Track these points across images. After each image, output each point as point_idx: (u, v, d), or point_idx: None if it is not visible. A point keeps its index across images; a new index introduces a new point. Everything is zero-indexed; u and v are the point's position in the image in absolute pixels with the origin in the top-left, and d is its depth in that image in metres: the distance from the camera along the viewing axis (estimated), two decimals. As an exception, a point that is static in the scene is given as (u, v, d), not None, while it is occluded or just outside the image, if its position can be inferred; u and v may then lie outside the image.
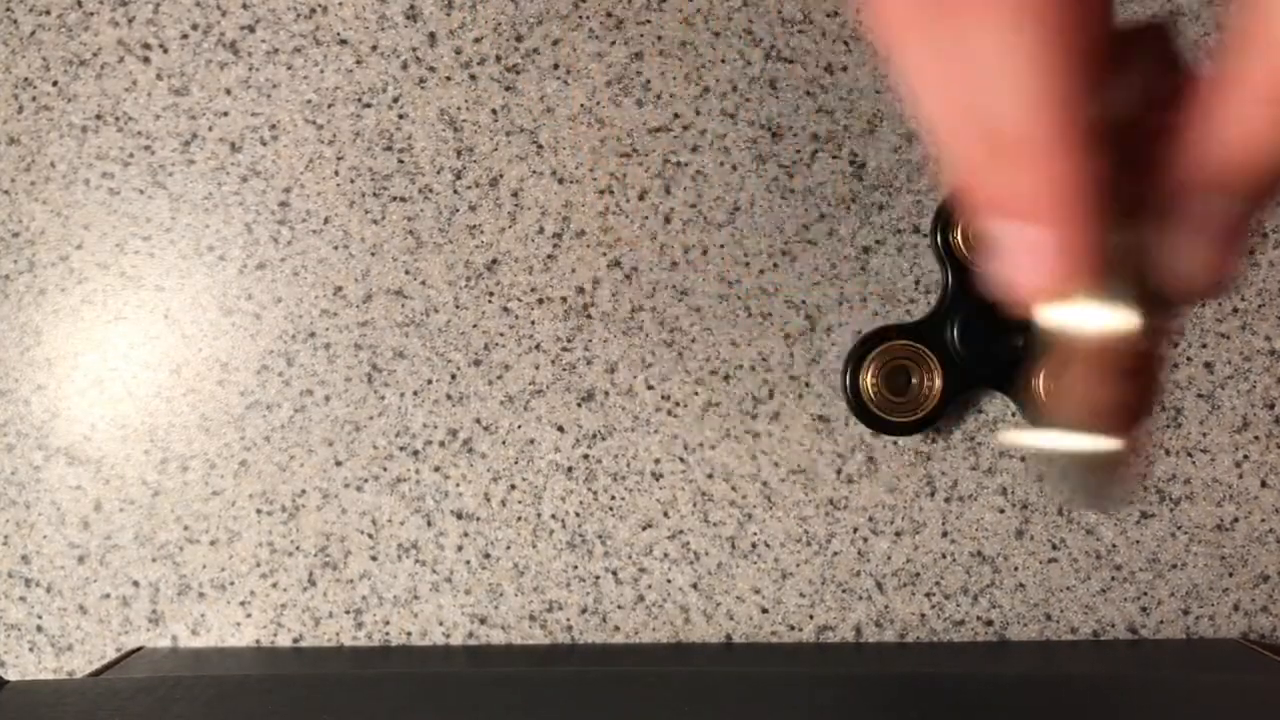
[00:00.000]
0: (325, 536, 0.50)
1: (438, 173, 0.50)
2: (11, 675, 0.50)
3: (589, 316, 0.50)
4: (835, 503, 0.50)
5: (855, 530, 0.50)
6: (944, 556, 0.50)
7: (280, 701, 0.37)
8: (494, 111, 0.50)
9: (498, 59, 0.50)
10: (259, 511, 0.50)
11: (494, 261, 0.50)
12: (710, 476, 0.50)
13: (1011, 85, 0.18)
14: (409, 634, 0.50)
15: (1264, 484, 0.50)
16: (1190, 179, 0.19)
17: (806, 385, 0.50)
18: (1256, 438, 0.50)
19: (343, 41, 0.50)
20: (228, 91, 0.50)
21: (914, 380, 0.49)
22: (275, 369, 0.50)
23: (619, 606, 0.50)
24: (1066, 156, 0.18)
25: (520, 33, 0.50)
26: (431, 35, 0.51)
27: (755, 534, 0.50)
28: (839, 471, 0.50)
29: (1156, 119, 0.20)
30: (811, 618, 0.50)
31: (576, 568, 0.50)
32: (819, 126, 0.50)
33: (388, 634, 0.50)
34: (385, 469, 0.50)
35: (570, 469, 0.50)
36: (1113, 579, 0.50)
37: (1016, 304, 0.20)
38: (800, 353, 0.50)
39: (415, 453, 0.50)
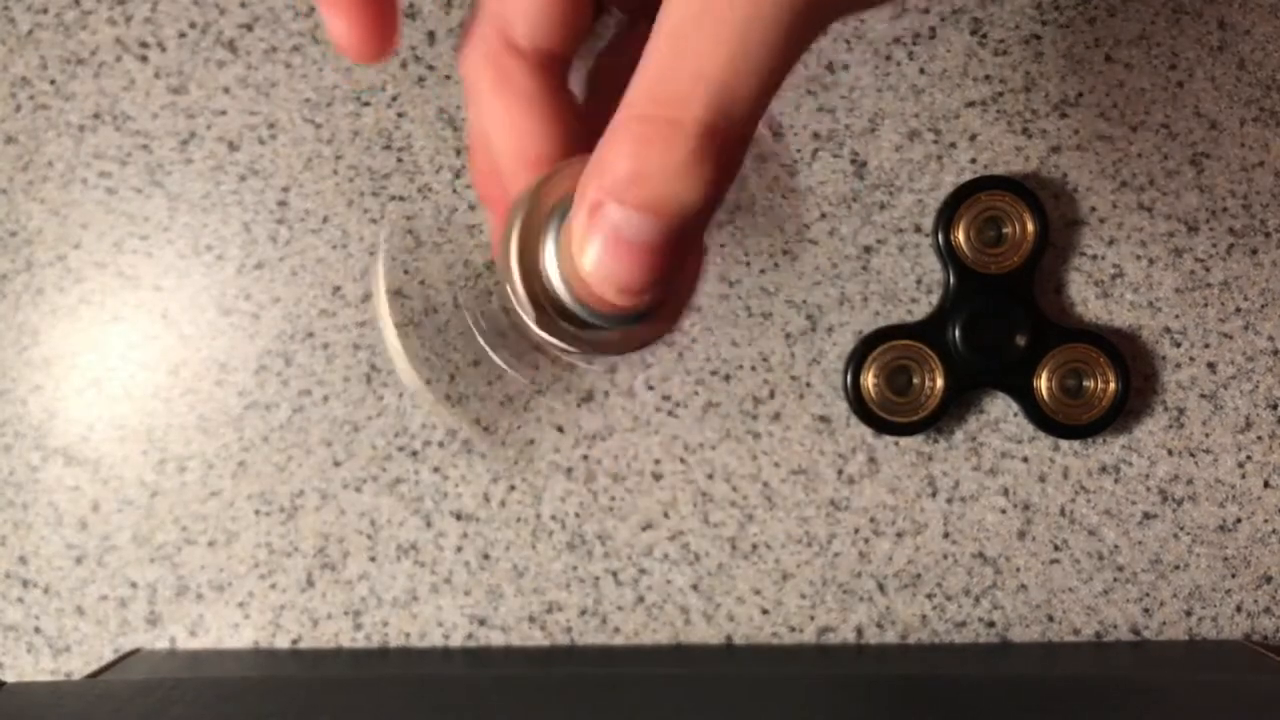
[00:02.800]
0: (324, 537, 0.50)
1: (437, 172, 0.50)
2: (9, 677, 0.50)
3: (589, 316, 0.50)
4: (836, 503, 0.50)
5: (856, 531, 0.50)
6: (946, 557, 0.50)
7: (279, 703, 0.37)
8: (493, 110, 0.50)
9: (497, 58, 0.50)
10: (257, 512, 0.50)
11: (493, 261, 0.50)
12: (710, 477, 0.50)
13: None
14: (408, 635, 0.49)
15: (1267, 485, 0.50)
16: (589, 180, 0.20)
17: (807, 385, 0.50)
18: (1260, 438, 0.50)
19: (341, 40, 0.50)
20: (226, 90, 0.50)
21: (915, 380, 0.49)
22: (273, 369, 0.50)
23: (619, 608, 0.50)
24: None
25: (520, 31, 0.50)
26: (431, 34, 0.50)
27: (756, 535, 0.50)
28: (840, 472, 0.50)
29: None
30: (812, 619, 0.50)
31: (576, 569, 0.50)
32: (820, 125, 0.50)
33: (387, 635, 0.49)
34: (384, 469, 0.50)
35: (570, 469, 0.50)
36: (1115, 580, 0.50)
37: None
38: (801, 353, 0.50)
39: (414, 453, 0.50)
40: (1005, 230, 0.49)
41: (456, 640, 0.50)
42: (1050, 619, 0.50)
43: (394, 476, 0.50)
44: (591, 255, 0.20)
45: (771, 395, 0.50)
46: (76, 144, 0.50)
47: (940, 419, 0.49)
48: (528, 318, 0.22)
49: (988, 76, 0.50)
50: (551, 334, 0.23)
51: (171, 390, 0.50)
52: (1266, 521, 0.50)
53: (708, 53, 0.18)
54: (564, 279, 0.21)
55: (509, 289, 0.22)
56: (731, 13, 0.18)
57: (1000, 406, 0.50)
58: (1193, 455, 0.50)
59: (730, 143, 0.19)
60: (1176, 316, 0.50)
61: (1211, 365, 0.50)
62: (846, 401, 0.49)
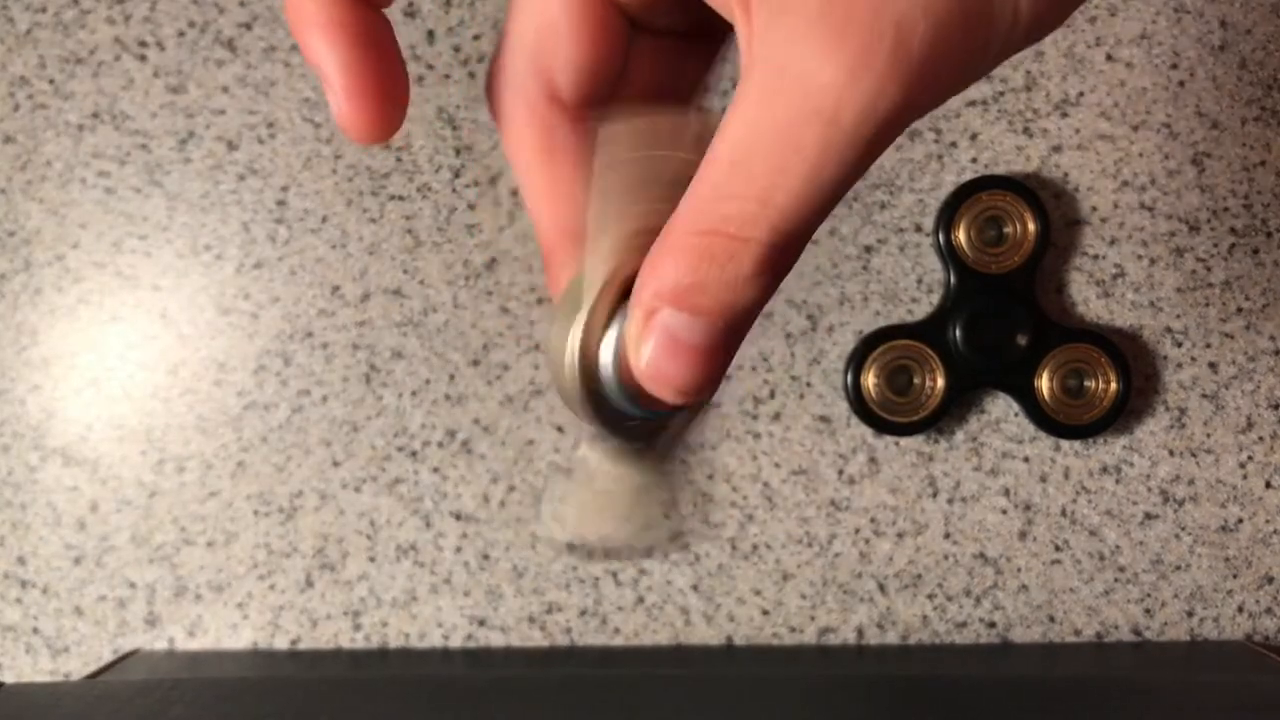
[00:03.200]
0: (323, 538, 0.49)
1: (436, 171, 0.50)
2: (8, 677, 0.50)
3: (589, 316, 0.49)
4: (837, 504, 0.50)
5: (857, 531, 0.50)
6: (946, 558, 0.50)
7: (278, 704, 0.37)
8: (493, 110, 0.50)
9: (497, 57, 0.50)
10: (256, 513, 0.50)
11: (493, 260, 0.50)
12: (710, 477, 0.49)
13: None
14: (407, 636, 0.49)
15: (1269, 485, 0.50)
16: (646, 283, 0.21)
17: (808, 385, 0.50)
18: (1261, 438, 0.50)
19: (341, 39, 0.50)
20: (225, 89, 0.50)
21: (916, 380, 0.48)
22: (272, 369, 0.50)
23: (619, 608, 0.49)
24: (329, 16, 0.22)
25: (519, 30, 0.50)
26: (430, 33, 0.50)
27: (756, 535, 0.49)
28: (840, 472, 0.50)
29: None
30: (813, 619, 0.50)
31: (576, 569, 0.49)
32: (820, 125, 0.50)
33: (386, 636, 0.49)
34: (383, 470, 0.49)
35: (570, 470, 0.49)
36: (1116, 581, 0.50)
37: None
38: (801, 352, 0.50)
39: (413, 453, 0.49)
40: (1006, 230, 0.48)
41: (456, 641, 0.49)
42: (1051, 619, 0.50)
43: (393, 477, 0.49)
44: (647, 356, 0.21)
45: (772, 395, 0.50)
46: (75, 143, 0.50)
47: (941, 419, 0.48)
48: (580, 410, 0.23)
49: (988, 76, 0.50)
50: (604, 425, 0.23)
51: (170, 390, 0.50)
52: (1268, 522, 0.50)
53: (778, 178, 0.19)
54: (617, 374, 0.22)
55: (563, 383, 0.23)
56: (808, 139, 0.18)
57: (1001, 406, 0.50)
58: (1194, 455, 0.50)
59: (790, 255, 0.20)
60: (1178, 316, 0.50)
61: (1213, 365, 0.50)
62: (847, 401, 0.49)
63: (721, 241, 0.19)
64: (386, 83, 0.22)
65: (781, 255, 0.20)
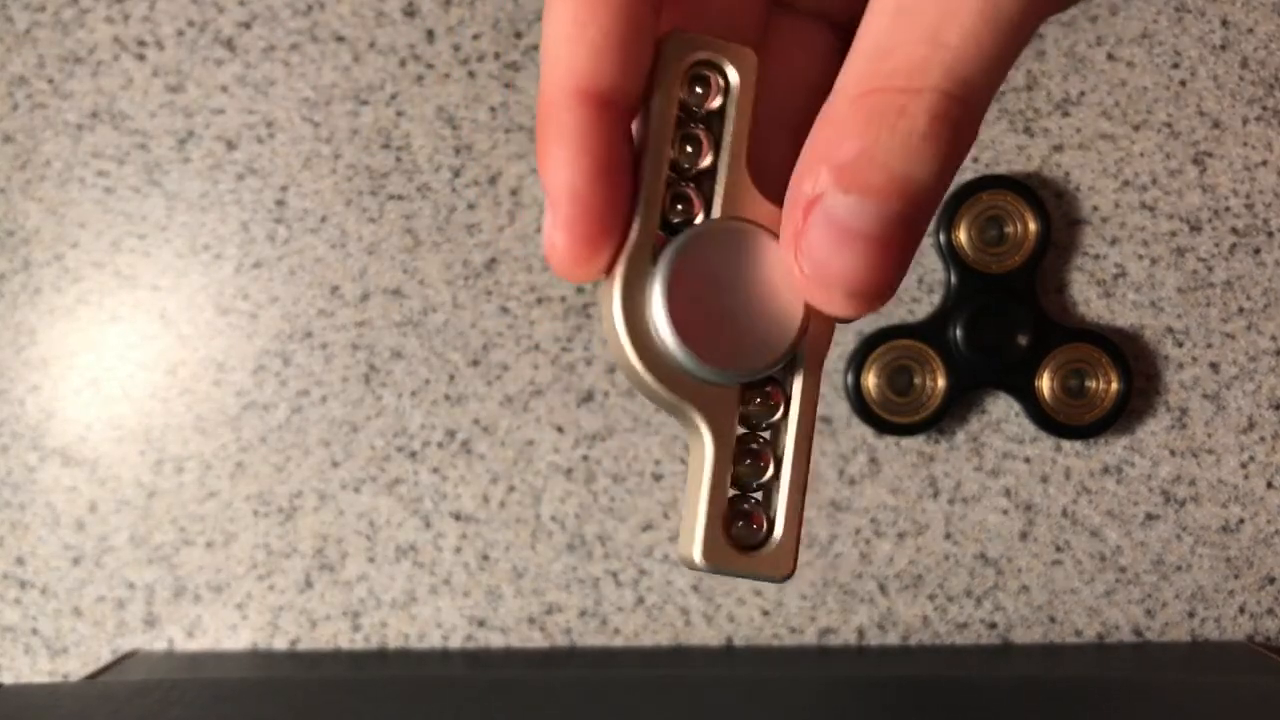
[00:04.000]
0: (322, 538, 0.49)
1: (436, 171, 0.50)
2: (6, 678, 0.49)
3: (589, 316, 0.49)
4: (837, 504, 0.49)
5: (858, 532, 0.49)
6: (947, 558, 0.49)
7: (277, 705, 0.37)
8: (493, 109, 0.50)
9: (496, 56, 0.50)
10: (255, 513, 0.49)
11: (493, 260, 0.50)
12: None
13: (547, 49, 0.19)
14: (407, 637, 0.49)
15: (1270, 485, 0.50)
16: (801, 168, 0.18)
17: (808, 385, 0.50)
18: (1262, 438, 0.50)
19: (340, 38, 0.50)
20: (224, 89, 0.50)
21: (917, 380, 0.48)
22: (272, 369, 0.50)
23: (619, 609, 0.49)
24: (579, 141, 0.19)
25: (519, 29, 0.50)
26: (430, 32, 0.50)
27: (756, 536, 0.49)
28: (841, 472, 0.49)
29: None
30: (813, 620, 0.49)
31: (576, 570, 0.49)
32: (821, 124, 0.50)
33: (385, 636, 0.49)
34: (383, 470, 0.49)
35: (570, 470, 0.49)
36: (1117, 581, 0.50)
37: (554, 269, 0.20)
38: (802, 353, 0.50)
39: (413, 454, 0.49)
40: (1007, 229, 0.48)
41: (455, 642, 0.49)
42: (1052, 620, 0.49)
43: (393, 477, 0.49)
44: (812, 257, 0.17)
45: (772, 395, 0.50)
46: (74, 143, 0.50)
47: (942, 419, 0.48)
48: (646, 374, 0.20)
49: (989, 75, 0.50)
50: (672, 388, 0.20)
51: (169, 390, 0.50)
52: (1269, 522, 0.50)
53: (946, 18, 0.16)
54: (674, 327, 0.19)
55: (621, 350, 0.20)
56: None
57: (1002, 407, 0.50)
58: (1195, 456, 0.50)
59: (968, 118, 0.17)
60: (1179, 316, 0.50)
61: (1214, 365, 0.50)
62: (847, 402, 0.49)
63: (889, 97, 0.17)
64: (614, 223, 0.19)
65: (963, 109, 0.17)
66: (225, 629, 0.49)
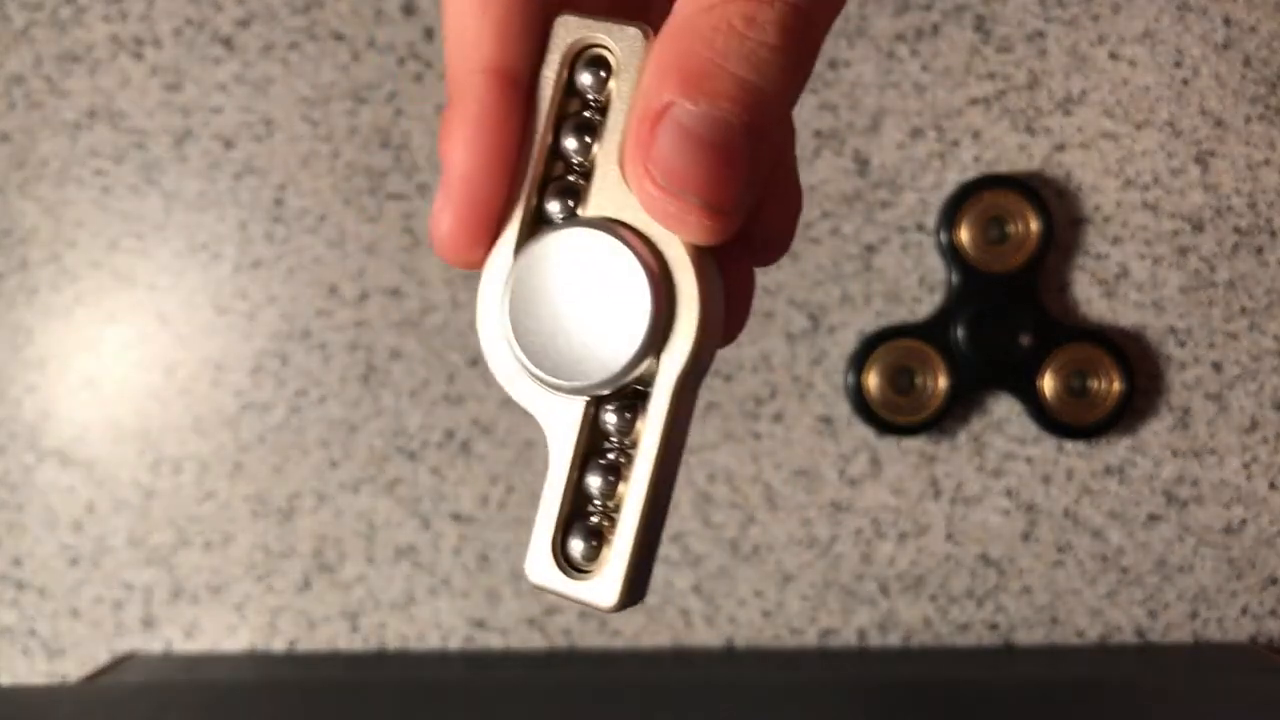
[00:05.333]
0: (321, 539, 0.49)
1: (435, 170, 0.50)
2: (4, 680, 0.49)
3: (588, 316, 0.49)
4: (838, 505, 0.49)
5: (859, 533, 0.49)
6: (949, 559, 0.49)
7: (275, 707, 0.37)
8: (492, 108, 0.50)
9: (496, 55, 0.50)
10: (253, 514, 0.49)
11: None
12: (711, 478, 0.49)
13: (450, 24, 0.18)
14: (406, 638, 0.49)
15: (1272, 486, 0.49)
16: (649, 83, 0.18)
17: (809, 385, 0.49)
18: (1265, 439, 0.49)
19: (338, 37, 0.50)
20: (222, 87, 0.50)
21: (918, 380, 0.48)
22: (270, 369, 0.49)
23: (619, 610, 0.49)
24: (479, 122, 0.18)
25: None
26: (428, 30, 0.50)
27: (757, 536, 0.49)
28: (842, 473, 0.49)
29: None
30: (814, 621, 0.49)
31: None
32: (822, 123, 0.50)
33: (384, 638, 0.49)
34: (382, 470, 0.49)
35: (569, 470, 0.49)
36: (1119, 582, 0.49)
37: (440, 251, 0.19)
38: (803, 352, 0.49)
39: (412, 454, 0.49)
40: (1009, 229, 0.48)
41: (455, 643, 0.49)
42: (1054, 621, 0.49)
43: (392, 478, 0.49)
44: (664, 167, 0.17)
45: (773, 395, 0.49)
46: (71, 142, 0.50)
47: (943, 419, 0.48)
48: (496, 375, 0.19)
49: (991, 74, 0.50)
50: (518, 393, 0.19)
51: (167, 391, 0.50)
52: (1272, 523, 0.49)
53: None
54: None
55: (482, 348, 0.19)
56: None
57: (1004, 407, 0.49)
58: (1198, 456, 0.49)
59: (813, 32, 0.17)
60: (1181, 316, 0.50)
61: (1217, 365, 0.50)
62: (849, 402, 0.49)
63: (737, 7, 0.16)
64: (500, 215, 0.19)
65: (807, 23, 0.17)
66: (223, 630, 0.49)
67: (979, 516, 0.49)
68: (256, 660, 0.48)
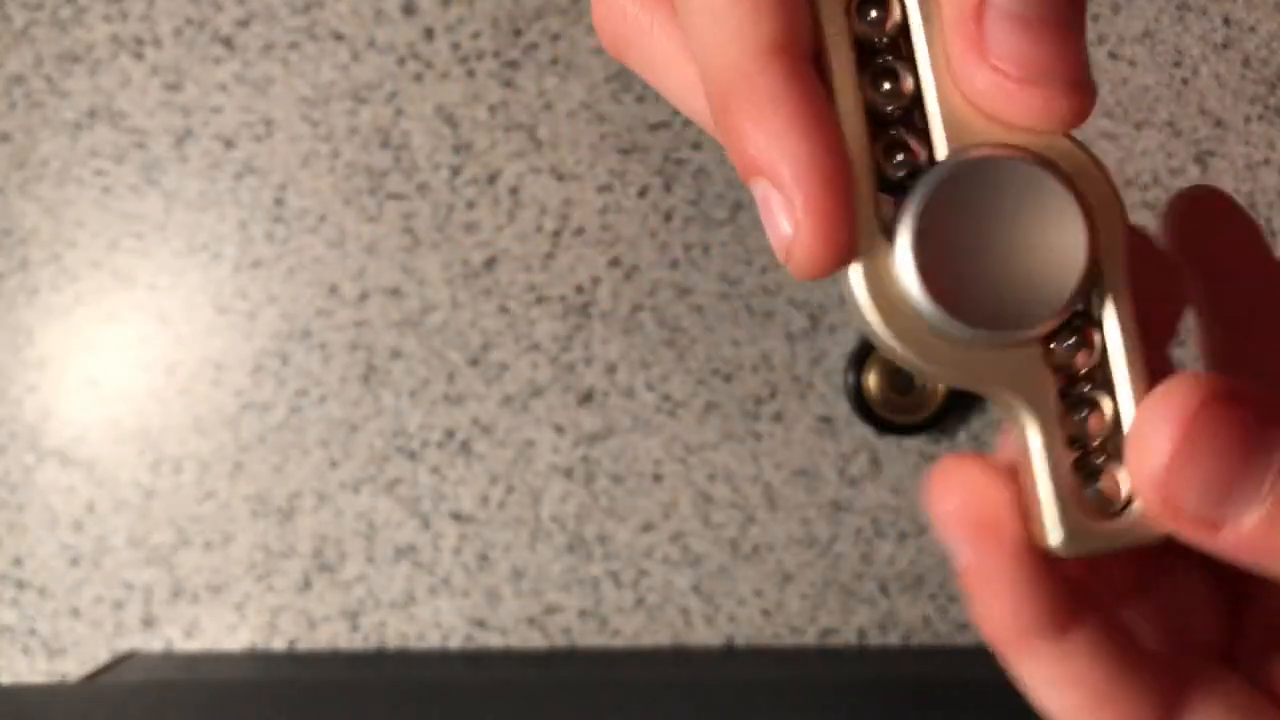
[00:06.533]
0: (321, 539, 0.49)
1: (435, 169, 0.50)
2: (4, 678, 0.49)
3: (588, 315, 0.49)
4: (838, 504, 0.49)
5: (859, 532, 0.49)
6: (948, 559, 0.49)
7: (275, 706, 0.37)
8: (492, 108, 0.50)
9: (495, 54, 0.50)
10: (253, 513, 0.49)
11: (492, 259, 0.49)
12: (711, 478, 0.49)
13: (699, 13, 0.16)
14: (406, 637, 0.49)
15: (1272, 485, 0.50)
16: None
17: (809, 385, 0.49)
18: (1265, 438, 0.50)
19: (338, 37, 0.50)
20: (222, 87, 0.50)
21: (917, 380, 0.48)
22: (270, 369, 0.49)
23: (619, 610, 0.49)
24: (796, 103, 0.16)
25: (519, 27, 0.50)
26: (428, 30, 0.50)
27: (757, 536, 0.49)
28: (842, 472, 0.49)
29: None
30: (814, 621, 0.49)
31: (576, 570, 0.49)
32: (821, 123, 0.50)
33: (384, 637, 0.49)
34: (382, 470, 0.49)
35: (569, 470, 0.49)
36: (1119, 581, 0.49)
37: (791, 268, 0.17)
38: (803, 352, 0.49)
39: (412, 454, 0.49)
40: (1008, 228, 0.48)
41: (455, 642, 0.49)
42: (1054, 621, 0.49)
43: (392, 477, 0.49)
44: (1012, 59, 0.15)
45: (773, 395, 0.49)
46: (72, 141, 0.50)
47: (943, 419, 0.48)
48: (930, 366, 0.16)
49: (991, 73, 0.50)
50: (965, 373, 0.17)
51: (167, 390, 0.50)
52: (1272, 522, 0.50)
53: None
54: (921, 276, 0.16)
55: (892, 348, 0.17)
56: None
57: (1003, 406, 0.49)
58: (1198, 455, 0.50)
59: None
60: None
61: (1216, 365, 0.50)
62: (848, 401, 0.49)
63: None
64: (850, 194, 0.16)
65: None
66: (223, 629, 0.49)
67: (979, 516, 0.49)
68: (256, 659, 0.48)
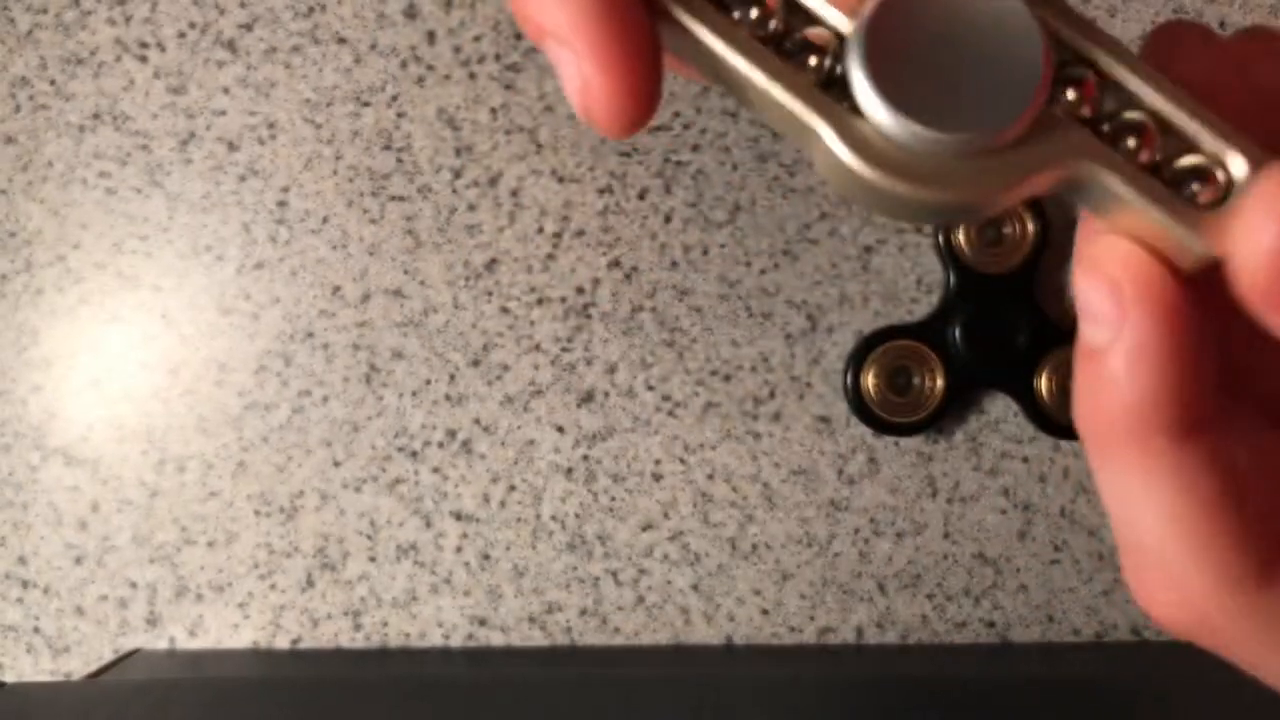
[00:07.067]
0: (324, 538, 0.49)
1: (436, 172, 0.50)
2: (8, 677, 0.50)
3: (589, 316, 0.50)
4: (836, 504, 0.50)
5: (857, 531, 0.50)
6: (946, 558, 0.50)
7: (278, 704, 0.37)
8: (493, 110, 0.50)
9: (497, 57, 0.50)
10: (257, 513, 0.50)
11: (493, 261, 0.50)
12: (711, 477, 0.50)
13: None
14: (408, 636, 0.49)
15: (1267, 485, 0.50)
16: None
17: (808, 385, 0.50)
18: (1260, 438, 0.50)
19: (341, 40, 0.50)
20: (225, 90, 0.50)
21: (916, 380, 0.49)
22: (273, 369, 0.50)
23: (619, 608, 0.49)
24: None
25: (520, 31, 0.50)
26: (430, 33, 0.50)
27: (756, 535, 0.49)
28: (840, 472, 0.50)
29: None
30: (813, 619, 0.50)
31: (576, 569, 0.49)
32: (820, 125, 0.50)
33: (386, 636, 0.49)
34: (384, 470, 0.49)
35: (570, 470, 0.49)
36: (1116, 580, 0.50)
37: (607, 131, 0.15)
38: (801, 353, 0.50)
39: (414, 453, 0.50)
40: (1005, 230, 0.49)
41: (456, 641, 0.49)
42: (1051, 619, 0.50)
43: (394, 477, 0.50)
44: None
45: (772, 395, 0.50)
46: (76, 144, 0.50)
47: (940, 419, 0.48)
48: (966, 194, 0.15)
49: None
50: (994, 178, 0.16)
51: (171, 390, 0.50)
52: (1267, 522, 0.50)
53: None
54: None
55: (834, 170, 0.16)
56: None
57: (1000, 406, 0.50)
58: (1193, 455, 0.50)
59: None
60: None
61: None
62: (847, 402, 0.49)
63: None
64: (648, 44, 0.14)
65: None
66: (227, 628, 0.50)
67: (976, 515, 0.50)
68: (260, 657, 0.49)
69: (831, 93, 0.16)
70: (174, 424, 0.50)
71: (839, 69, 0.16)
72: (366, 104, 0.50)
